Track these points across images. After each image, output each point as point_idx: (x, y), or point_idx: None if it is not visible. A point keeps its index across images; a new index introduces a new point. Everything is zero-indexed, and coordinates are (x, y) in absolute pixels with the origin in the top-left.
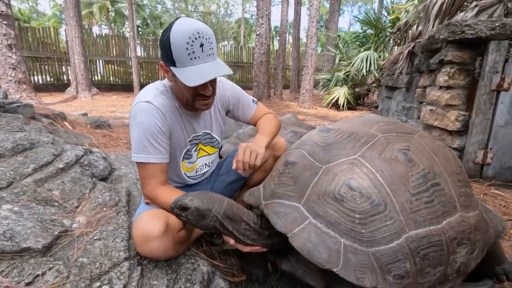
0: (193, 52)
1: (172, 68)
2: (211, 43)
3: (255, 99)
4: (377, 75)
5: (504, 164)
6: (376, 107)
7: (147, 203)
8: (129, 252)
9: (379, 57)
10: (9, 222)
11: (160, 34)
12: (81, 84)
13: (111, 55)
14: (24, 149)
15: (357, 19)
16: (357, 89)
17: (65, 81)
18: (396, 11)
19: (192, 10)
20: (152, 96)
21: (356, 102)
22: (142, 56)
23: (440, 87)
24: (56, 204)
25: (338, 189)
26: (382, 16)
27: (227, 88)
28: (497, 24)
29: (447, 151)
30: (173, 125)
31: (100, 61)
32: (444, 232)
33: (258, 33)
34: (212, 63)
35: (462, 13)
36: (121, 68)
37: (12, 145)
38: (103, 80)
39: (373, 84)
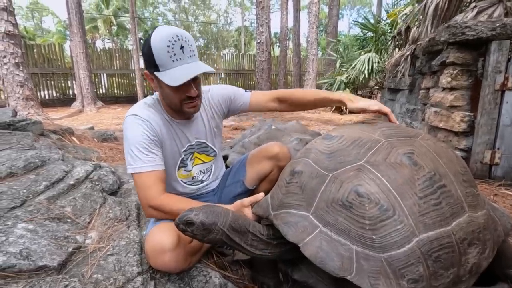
0: (174, 54)
1: (156, 73)
2: (191, 45)
3: (247, 90)
4: (378, 78)
5: None
6: None
7: (151, 218)
8: (142, 267)
9: (380, 59)
10: (25, 240)
11: (142, 46)
12: (87, 98)
13: (115, 68)
14: (36, 167)
15: (356, 23)
16: (359, 92)
17: (71, 96)
18: (393, 14)
19: (193, 20)
20: (139, 109)
21: None
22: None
23: (444, 89)
24: (68, 220)
25: (346, 196)
26: (381, 20)
27: (216, 95)
28: (497, 25)
29: (450, 152)
30: (164, 137)
31: (104, 74)
32: (454, 233)
33: (258, 41)
34: (194, 64)
35: (462, 14)
36: (125, 81)
37: (24, 163)
38: (107, 93)
39: (375, 87)
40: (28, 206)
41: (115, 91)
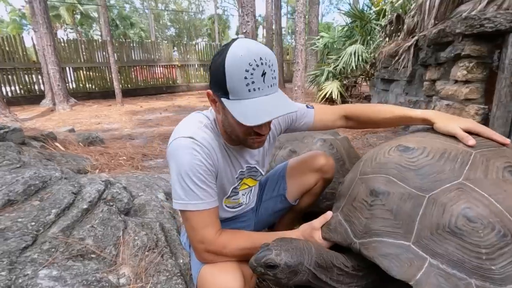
0: (253, 82)
1: (224, 100)
2: (274, 71)
3: (310, 104)
4: (368, 67)
5: None
6: (365, 97)
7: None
8: None
9: (367, 48)
10: None
11: (212, 58)
12: (58, 95)
13: (84, 61)
14: (37, 190)
15: (342, 12)
16: (345, 82)
17: (37, 92)
18: (378, 3)
19: (163, 8)
20: (195, 130)
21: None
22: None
23: (456, 81)
24: (93, 256)
25: (455, 222)
26: (365, 7)
27: None
28: None
29: None
30: (220, 164)
31: (73, 68)
32: None
33: (244, 31)
34: (273, 97)
35: (469, 5)
36: (97, 74)
37: (23, 187)
38: (78, 88)
39: (361, 76)
40: (43, 243)
41: (87, 86)
